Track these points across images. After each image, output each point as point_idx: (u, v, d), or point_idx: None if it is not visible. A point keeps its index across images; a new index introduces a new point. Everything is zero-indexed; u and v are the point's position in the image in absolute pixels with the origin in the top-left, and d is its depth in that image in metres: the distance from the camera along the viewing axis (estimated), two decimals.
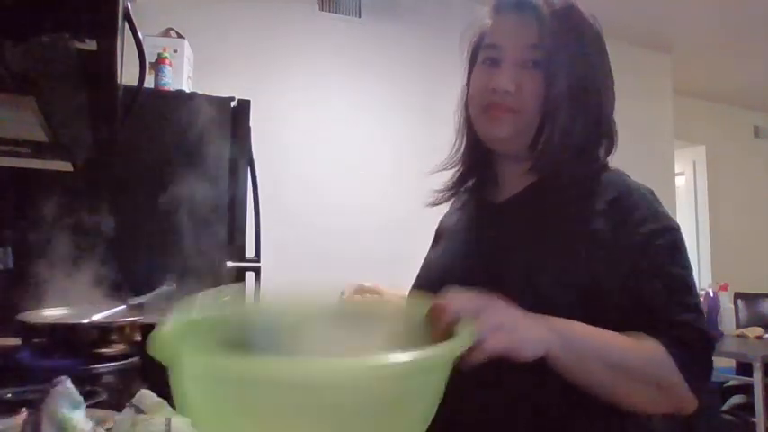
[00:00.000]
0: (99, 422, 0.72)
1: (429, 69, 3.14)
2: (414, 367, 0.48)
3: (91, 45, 0.67)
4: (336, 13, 3.01)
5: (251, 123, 1.89)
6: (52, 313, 1.26)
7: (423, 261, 1.01)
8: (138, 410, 0.71)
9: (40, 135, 1.12)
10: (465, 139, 0.95)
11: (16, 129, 1.12)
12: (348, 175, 2.93)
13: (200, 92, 1.87)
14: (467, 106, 0.93)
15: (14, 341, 1.19)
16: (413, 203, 3.27)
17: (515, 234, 0.84)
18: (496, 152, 0.91)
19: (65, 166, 1.49)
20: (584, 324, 0.69)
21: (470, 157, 0.95)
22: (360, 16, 3.06)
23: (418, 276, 0.98)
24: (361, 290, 1.03)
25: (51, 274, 1.28)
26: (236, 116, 1.84)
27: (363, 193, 2.94)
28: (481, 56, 0.89)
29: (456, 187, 0.98)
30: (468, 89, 0.93)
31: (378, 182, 2.98)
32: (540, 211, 0.84)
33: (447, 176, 0.99)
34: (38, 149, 1.28)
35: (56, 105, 0.93)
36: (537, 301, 0.72)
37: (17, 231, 1.42)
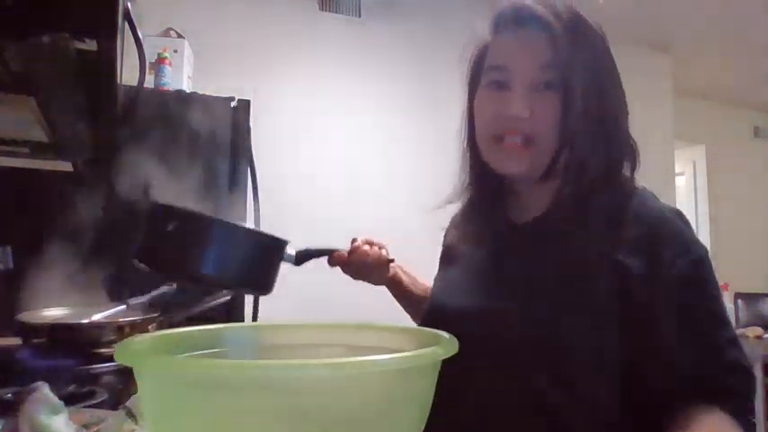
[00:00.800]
0: (90, 425, 0.71)
1: (429, 69, 3.14)
2: (393, 368, 0.46)
3: (91, 45, 0.67)
4: (336, 13, 3.00)
5: (251, 123, 1.89)
6: (52, 313, 1.25)
7: (435, 282, 0.97)
8: (131, 414, 0.71)
9: (40, 135, 1.13)
10: (473, 168, 0.89)
11: (16, 129, 1.12)
12: (348, 175, 2.93)
13: (201, 92, 1.87)
14: (471, 134, 0.86)
15: (14, 341, 1.19)
16: (414, 203, 3.26)
17: (537, 261, 0.79)
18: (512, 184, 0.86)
19: (65, 166, 1.49)
20: None
21: (480, 186, 0.89)
22: (360, 16, 3.06)
23: (433, 297, 0.93)
24: (369, 242, 1.02)
25: (51, 274, 1.28)
26: (236, 116, 1.84)
27: (364, 192, 2.94)
28: (485, 78, 0.81)
29: (470, 212, 0.93)
30: (468, 114, 0.86)
31: (379, 181, 2.98)
32: (563, 238, 0.77)
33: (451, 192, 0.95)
34: (38, 149, 1.28)
35: (56, 105, 0.93)
36: (555, 332, 0.70)
37: (17, 231, 1.42)
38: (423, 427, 0.53)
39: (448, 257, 0.99)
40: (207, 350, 0.63)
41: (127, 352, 0.49)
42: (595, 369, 0.70)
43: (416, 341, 0.58)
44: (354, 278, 1.03)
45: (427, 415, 0.53)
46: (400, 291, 1.07)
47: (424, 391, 0.52)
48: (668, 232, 0.74)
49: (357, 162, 2.97)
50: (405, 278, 1.07)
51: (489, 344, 0.75)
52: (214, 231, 0.81)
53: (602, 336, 0.70)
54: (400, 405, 0.50)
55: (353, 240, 1.02)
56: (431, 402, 0.54)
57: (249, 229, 0.86)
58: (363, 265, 1.00)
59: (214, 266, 0.80)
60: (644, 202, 0.78)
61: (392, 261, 1.04)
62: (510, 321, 0.75)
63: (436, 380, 0.54)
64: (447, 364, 0.52)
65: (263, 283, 0.86)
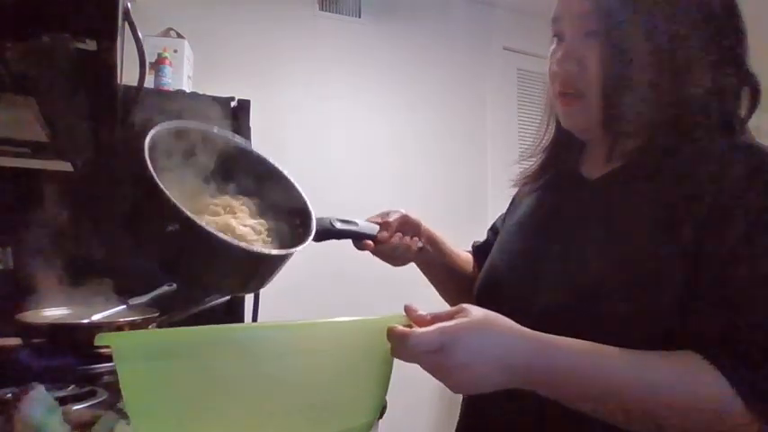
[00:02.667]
0: (89, 425, 0.72)
1: (429, 69, 3.14)
2: (332, 328, 0.52)
3: (91, 45, 0.67)
4: (336, 13, 3.01)
5: (251, 123, 1.89)
6: (52, 313, 1.26)
7: (500, 230, 0.94)
8: (124, 414, 0.71)
9: (40, 135, 1.13)
10: (551, 123, 0.85)
11: (16, 129, 1.12)
12: (349, 174, 2.93)
13: (201, 92, 1.88)
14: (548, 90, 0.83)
15: (14, 341, 1.19)
16: (416, 203, 3.26)
17: (603, 215, 0.73)
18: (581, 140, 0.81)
19: (65, 166, 1.49)
20: (583, 350, 0.59)
21: (557, 142, 0.85)
22: (360, 16, 3.06)
23: (492, 252, 0.89)
24: (404, 220, 0.98)
25: (51, 274, 1.28)
26: (236, 116, 1.84)
27: (365, 192, 2.94)
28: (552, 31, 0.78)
29: (540, 173, 0.87)
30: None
31: (378, 181, 2.98)
32: (636, 192, 0.70)
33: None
34: (38, 149, 1.28)
35: (56, 105, 0.93)
36: (613, 287, 0.65)
37: (17, 231, 1.42)
38: (379, 401, 0.59)
39: (510, 213, 0.95)
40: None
41: (105, 337, 0.52)
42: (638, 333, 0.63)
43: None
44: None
45: (382, 389, 0.59)
46: (430, 269, 1.05)
47: (370, 362, 0.57)
48: (758, 167, 0.64)
49: (357, 162, 2.97)
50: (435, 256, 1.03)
51: (531, 303, 0.72)
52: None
53: (650, 293, 0.63)
54: (358, 366, 0.55)
55: (385, 221, 0.98)
56: (385, 375, 0.59)
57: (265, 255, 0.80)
58: (391, 254, 0.98)
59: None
60: (743, 147, 0.67)
61: (422, 249, 1.00)
62: (552, 280, 0.72)
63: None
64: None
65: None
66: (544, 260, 0.76)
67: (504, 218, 0.99)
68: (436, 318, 0.59)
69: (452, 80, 3.18)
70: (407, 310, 0.61)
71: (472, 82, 3.22)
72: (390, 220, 1.00)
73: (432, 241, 1.03)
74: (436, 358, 0.55)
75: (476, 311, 0.59)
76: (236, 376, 0.48)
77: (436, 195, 2.96)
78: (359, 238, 0.97)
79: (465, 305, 0.60)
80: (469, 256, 1.07)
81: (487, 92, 3.21)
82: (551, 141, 0.85)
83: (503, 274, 0.82)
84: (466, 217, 2.88)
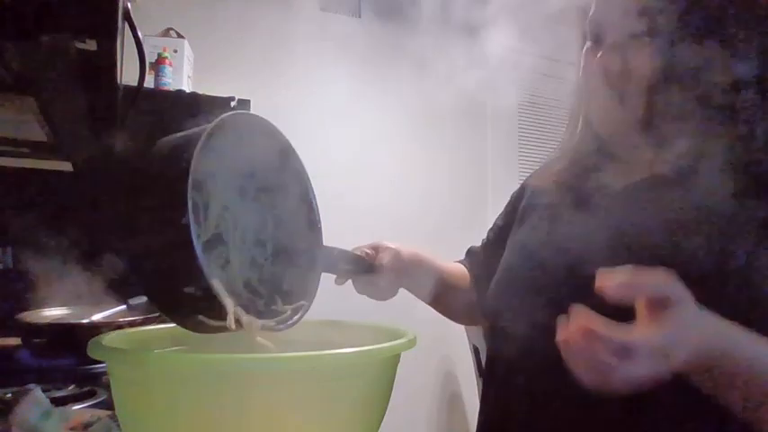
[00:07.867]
0: (88, 425, 0.72)
1: (430, 69, 3.14)
2: (334, 363, 0.47)
3: (91, 45, 0.67)
4: (336, 13, 3.01)
5: None
6: (52, 313, 1.26)
7: (511, 243, 0.86)
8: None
9: (40, 135, 1.13)
10: (578, 128, 0.82)
11: (16, 129, 1.12)
12: (348, 175, 2.93)
13: (200, 92, 1.88)
14: (579, 92, 0.80)
15: (14, 341, 1.19)
16: (415, 204, 3.24)
17: (636, 225, 0.68)
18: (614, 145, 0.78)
19: (65, 166, 1.49)
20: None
21: (581, 149, 0.82)
22: (360, 16, 3.06)
23: (508, 252, 0.84)
24: (374, 247, 0.89)
25: (51, 274, 1.28)
26: None
27: (364, 193, 2.94)
28: (588, 32, 0.76)
29: (565, 175, 0.82)
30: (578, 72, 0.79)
31: (378, 182, 2.98)
32: (673, 199, 0.67)
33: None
34: (38, 149, 1.28)
35: (56, 105, 0.93)
36: None
37: (17, 231, 1.42)
38: (377, 426, 0.54)
39: (514, 204, 0.90)
40: (176, 347, 0.65)
41: (99, 348, 0.51)
42: None
43: (382, 338, 0.58)
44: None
45: (381, 414, 0.54)
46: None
47: (374, 387, 0.53)
48: None
49: (357, 162, 2.97)
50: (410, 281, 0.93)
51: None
52: None
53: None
54: (349, 399, 0.51)
55: (378, 263, 0.90)
56: (386, 400, 0.55)
57: None
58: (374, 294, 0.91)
59: None
60: None
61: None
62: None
63: (393, 376, 0.56)
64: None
65: None
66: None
67: (512, 207, 0.93)
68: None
69: (452, 80, 3.18)
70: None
71: (472, 82, 3.22)
72: (384, 262, 0.88)
73: (419, 263, 0.93)
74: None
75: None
76: (236, 406, 0.47)
77: (436, 195, 2.96)
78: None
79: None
80: (462, 271, 0.99)
81: (487, 91, 3.21)
82: (577, 144, 0.82)
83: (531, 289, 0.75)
84: (465, 218, 2.89)
